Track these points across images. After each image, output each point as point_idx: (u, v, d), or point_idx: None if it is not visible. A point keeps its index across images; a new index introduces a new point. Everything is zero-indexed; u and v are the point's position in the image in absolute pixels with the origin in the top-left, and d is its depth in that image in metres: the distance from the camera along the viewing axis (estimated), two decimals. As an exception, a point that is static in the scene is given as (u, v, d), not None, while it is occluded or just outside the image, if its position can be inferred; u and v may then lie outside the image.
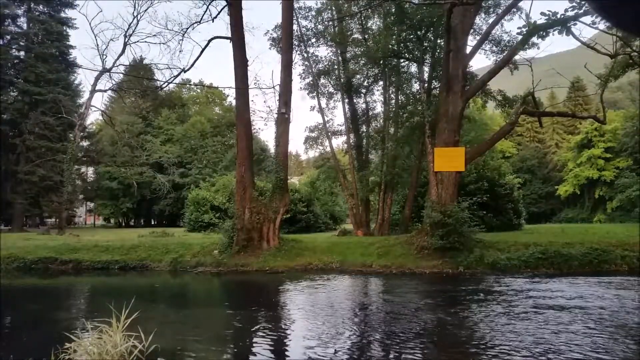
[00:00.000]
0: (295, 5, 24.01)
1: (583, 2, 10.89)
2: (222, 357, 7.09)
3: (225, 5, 19.84)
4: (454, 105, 17.19)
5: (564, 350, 6.57)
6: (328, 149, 27.96)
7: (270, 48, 25.73)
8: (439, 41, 21.11)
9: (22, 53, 39.13)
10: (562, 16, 11.84)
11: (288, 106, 18.98)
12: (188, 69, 42.85)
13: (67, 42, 41.23)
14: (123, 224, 56.13)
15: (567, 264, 15.19)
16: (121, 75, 35.11)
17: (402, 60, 23.50)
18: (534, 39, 16.48)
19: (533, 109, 19.15)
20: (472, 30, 19.57)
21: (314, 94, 26.73)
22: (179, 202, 45.55)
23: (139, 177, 44.39)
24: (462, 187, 20.00)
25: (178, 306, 11.62)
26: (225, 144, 51.63)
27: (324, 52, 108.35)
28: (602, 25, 12.95)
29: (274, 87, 22.06)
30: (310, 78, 26.45)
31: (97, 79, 31.70)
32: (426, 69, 22.28)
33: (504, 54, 20.22)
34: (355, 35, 26.93)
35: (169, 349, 6.70)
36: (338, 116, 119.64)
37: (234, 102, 31.53)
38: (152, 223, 56.27)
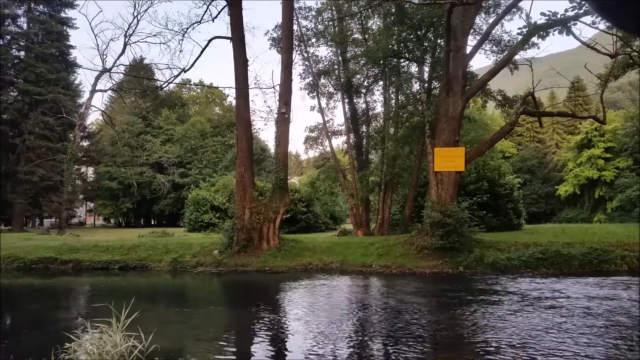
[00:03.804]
0: (295, 5, 24.02)
1: (583, 2, 10.89)
2: (222, 356, 7.09)
3: (225, 5, 19.84)
4: (454, 105, 17.18)
5: (563, 349, 6.57)
6: (328, 149, 27.99)
7: (270, 48, 25.77)
8: (439, 41, 21.10)
9: (22, 53, 39.13)
10: (562, 16, 11.84)
11: (288, 106, 18.97)
12: (188, 69, 42.92)
13: (67, 42, 41.23)
14: (123, 224, 56.14)
15: (567, 264, 15.19)
16: (121, 75, 35.20)
17: (402, 60, 23.49)
18: (534, 39, 16.48)
19: (533, 109, 19.15)
20: (472, 30, 19.56)
21: (314, 94, 26.75)
22: (179, 202, 45.58)
23: (139, 177, 44.42)
24: (462, 187, 20.00)
25: (178, 306, 11.62)
26: (225, 144, 51.65)
27: (324, 52, 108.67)
28: (602, 25, 12.96)
29: (274, 87, 22.09)
30: (310, 78, 26.46)
31: (97, 79, 31.75)
32: (426, 69, 22.27)
33: (504, 54, 20.22)
34: (355, 35, 26.92)
35: (169, 349, 6.70)
36: (338, 116, 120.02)
37: (234, 102, 31.56)
38: (152, 223, 56.29)
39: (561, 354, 6.38)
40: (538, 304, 9.96)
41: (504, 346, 6.85)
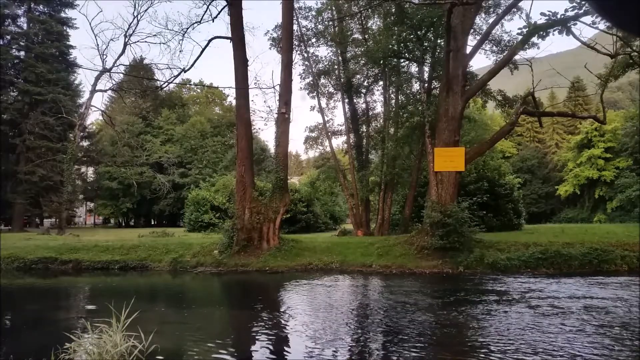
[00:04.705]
0: (296, 5, 24.02)
1: (583, 2, 10.89)
2: (222, 357, 7.08)
3: (225, 5, 19.84)
4: (454, 105, 17.18)
5: (562, 350, 6.57)
6: (328, 149, 28.00)
7: (270, 48, 25.77)
8: (439, 41, 21.10)
9: (22, 53, 39.13)
10: (562, 16, 11.84)
11: (288, 106, 18.97)
12: (188, 69, 43.05)
13: (67, 42, 41.23)
14: (123, 224, 56.12)
15: (567, 264, 15.20)
16: (121, 75, 35.20)
17: (402, 60, 23.49)
18: (534, 39, 16.49)
19: (533, 109, 19.14)
20: (472, 30, 19.56)
21: (314, 94, 26.75)
22: (179, 202, 45.54)
23: (139, 177, 44.39)
24: (462, 187, 20.00)
25: (178, 306, 11.62)
26: (225, 144, 51.64)
27: (324, 52, 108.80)
28: (602, 25, 12.96)
29: (274, 87, 22.13)
30: (310, 78, 26.46)
31: (97, 79, 31.73)
32: (426, 69, 22.27)
33: (504, 54, 20.22)
34: (355, 35, 26.93)
35: (169, 349, 6.70)
36: (338, 116, 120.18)
37: (234, 102, 31.58)
38: (152, 223, 56.24)
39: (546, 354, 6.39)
40: (533, 303, 9.96)
41: (489, 346, 6.85)
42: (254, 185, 18.66)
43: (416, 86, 23.63)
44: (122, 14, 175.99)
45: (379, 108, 27.52)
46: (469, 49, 18.34)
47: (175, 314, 10.45)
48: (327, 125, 26.88)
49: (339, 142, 31.10)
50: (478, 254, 15.59)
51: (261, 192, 19.36)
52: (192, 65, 45.15)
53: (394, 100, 25.06)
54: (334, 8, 26.14)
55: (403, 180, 24.51)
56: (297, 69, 68.66)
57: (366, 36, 25.59)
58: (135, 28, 41.35)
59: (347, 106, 26.43)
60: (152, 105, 52.62)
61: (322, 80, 27.18)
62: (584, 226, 26.77)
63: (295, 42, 24.31)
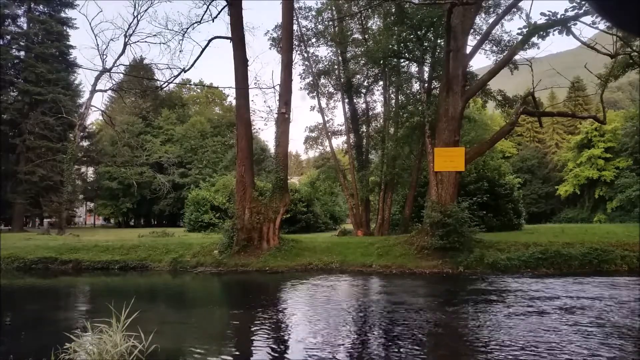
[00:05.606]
0: (296, 5, 24.02)
1: (583, 2, 10.89)
2: (222, 356, 7.09)
3: (225, 5, 19.84)
4: (454, 105, 17.18)
5: (563, 350, 6.57)
6: (328, 149, 28.00)
7: (270, 48, 25.77)
8: (439, 41, 21.09)
9: (22, 53, 39.13)
10: (562, 16, 11.84)
11: (288, 106, 18.97)
12: (188, 69, 43.12)
13: (67, 42, 41.24)
14: (123, 224, 56.13)
15: (567, 264, 15.19)
16: (121, 75, 35.21)
17: (402, 60, 23.48)
18: (534, 39, 16.48)
19: (533, 109, 19.14)
20: (472, 30, 19.55)
21: (314, 94, 26.75)
22: (179, 202, 45.56)
23: (139, 177, 44.40)
24: (462, 187, 19.99)
25: (178, 306, 11.62)
26: (225, 144, 51.65)
27: (324, 52, 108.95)
28: (602, 25, 12.96)
29: (274, 87, 22.14)
30: (310, 78, 26.46)
31: (97, 79, 31.74)
32: (426, 69, 22.26)
33: (504, 54, 20.21)
34: (355, 35, 26.93)
35: (169, 349, 6.70)
36: (338, 116, 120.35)
37: (234, 102, 31.60)
38: (152, 223, 56.24)
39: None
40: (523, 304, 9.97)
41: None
42: (254, 185, 18.66)
43: (416, 86, 23.66)
44: (122, 14, 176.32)
45: (379, 108, 27.58)
46: (469, 49, 18.34)
47: (175, 313, 10.45)
48: (327, 125, 26.89)
49: (339, 142, 31.15)
50: (478, 254, 15.59)
51: (261, 192, 19.36)
52: (192, 65, 45.26)
53: (394, 100, 25.06)
54: (334, 8, 26.14)
55: (403, 180, 24.50)
56: (297, 69, 68.79)
57: (366, 36, 25.59)
58: (135, 28, 41.44)
59: (347, 106, 26.44)
60: (152, 105, 52.66)
61: (322, 80, 27.18)
62: (584, 226, 26.77)
63: (295, 42, 24.32)
